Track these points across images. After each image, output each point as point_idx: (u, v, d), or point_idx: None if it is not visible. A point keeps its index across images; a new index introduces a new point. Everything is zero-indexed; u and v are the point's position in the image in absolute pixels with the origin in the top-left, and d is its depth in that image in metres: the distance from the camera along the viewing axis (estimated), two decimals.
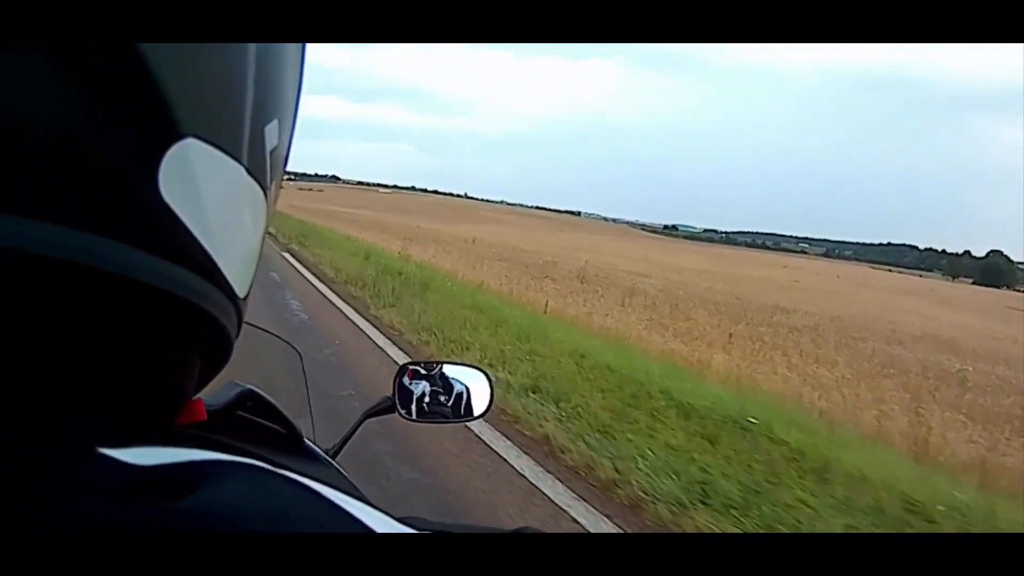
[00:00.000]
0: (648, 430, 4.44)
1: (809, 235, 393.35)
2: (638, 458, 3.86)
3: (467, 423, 1.50)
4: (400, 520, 0.34)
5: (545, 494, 3.48)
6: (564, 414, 4.61)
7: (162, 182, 0.25)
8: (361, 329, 7.37)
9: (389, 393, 1.04)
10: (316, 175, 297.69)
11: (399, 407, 1.03)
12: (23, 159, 0.22)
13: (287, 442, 0.50)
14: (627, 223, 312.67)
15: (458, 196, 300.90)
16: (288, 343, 0.99)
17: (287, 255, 15.33)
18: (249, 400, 0.47)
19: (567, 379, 5.45)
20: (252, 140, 0.30)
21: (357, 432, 1.00)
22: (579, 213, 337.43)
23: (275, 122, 0.33)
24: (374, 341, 6.82)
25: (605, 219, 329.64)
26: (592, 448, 4.01)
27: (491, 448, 4.02)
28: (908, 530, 3.28)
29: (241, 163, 0.30)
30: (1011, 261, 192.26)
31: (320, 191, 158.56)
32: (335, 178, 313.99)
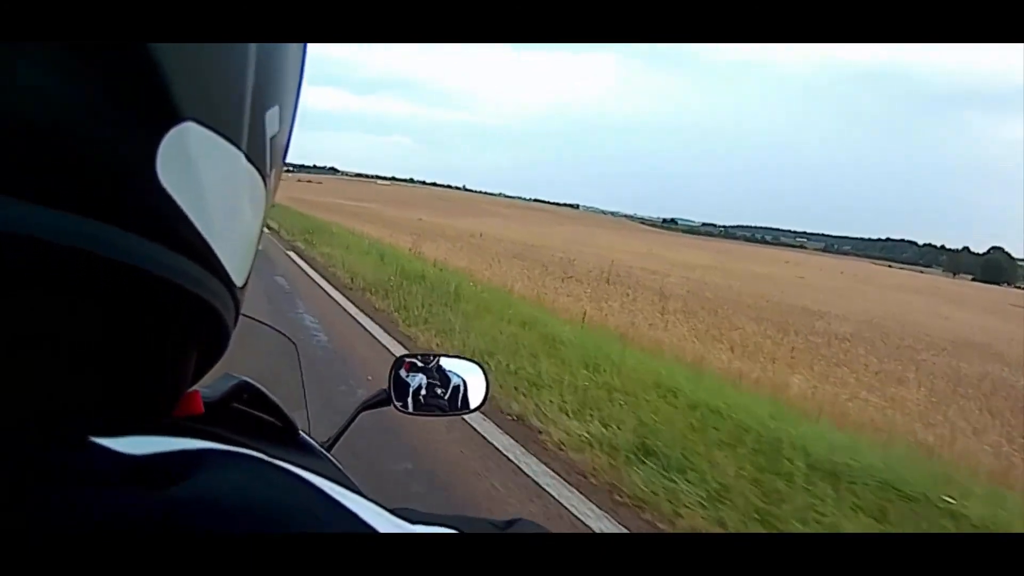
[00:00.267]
0: (816, 515, 3.28)
1: (807, 230, 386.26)
2: None
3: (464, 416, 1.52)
4: (393, 512, 0.34)
5: None
6: (702, 494, 3.44)
7: (160, 166, 0.24)
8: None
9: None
10: (315, 167, 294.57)
11: (395, 400, 1.02)
12: (18, 143, 0.22)
13: (283, 434, 0.50)
14: (625, 216, 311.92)
15: (456, 188, 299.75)
16: (283, 333, 1.00)
17: (293, 254, 13.97)
18: (245, 392, 0.48)
19: (673, 430, 4.27)
20: (252, 126, 0.29)
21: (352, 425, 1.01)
22: (577, 206, 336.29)
23: (276, 108, 0.32)
24: None
25: (603, 212, 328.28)
26: None
27: None
28: None
29: (240, 149, 0.29)
30: (1011, 258, 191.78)
31: (319, 183, 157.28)
32: (334, 170, 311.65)
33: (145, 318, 0.28)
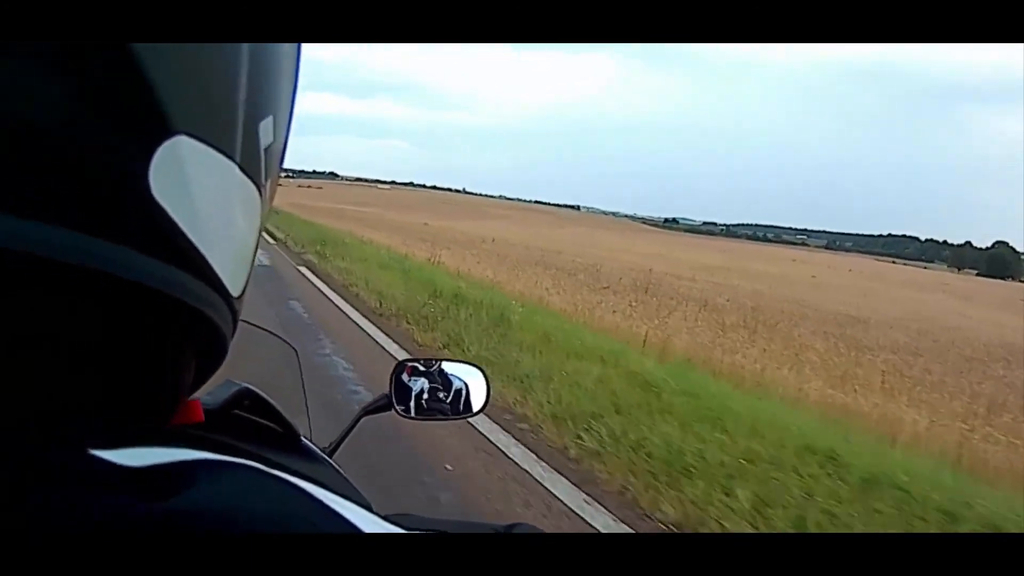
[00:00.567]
0: None
1: (809, 227, 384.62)
2: None
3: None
4: (394, 522, 0.34)
5: None
6: None
7: (153, 180, 0.24)
8: (471, 426, 4.12)
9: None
10: (314, 172, 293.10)
11: (396, 404, 1.01)
12: (11, 158, 0.22)
13: (284, 441, 0.50)
14: (626, 217, 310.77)
15: (456, 191, 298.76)
16: (283, 340, 0.99)
17: (305, 270, 12.36)
18: (246, 399, 0.48)
19: (874, 528, 3.05)
20: (246, 137, 0.30)
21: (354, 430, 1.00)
22: (578, 207, 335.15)
23: (270, 119, 0.32)
24: (515, 461, 3.82)
25: (604, 213, 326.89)
26: None
27: None
28: None
29: (234, 160, 0.29)
30: (1016, 252, 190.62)
31: (319, 188, 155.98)
32: (334, 175, 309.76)
33: (141, 330, 0.28)
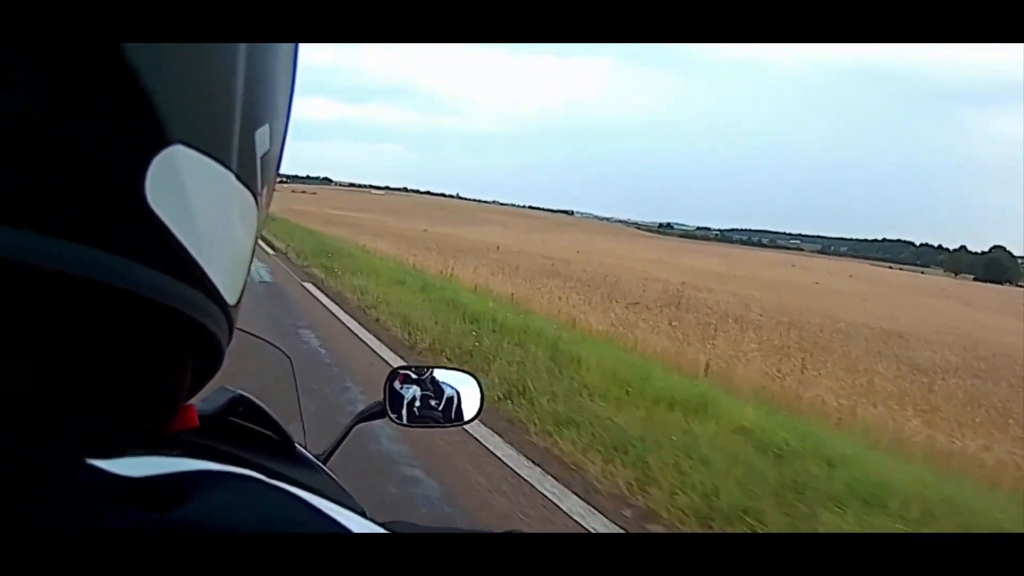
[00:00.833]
0: None
1: (803, 232, 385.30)
2: None
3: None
4: (388, 529, 0.35)
5: None
6: None
7: (148, 190, 0.24)
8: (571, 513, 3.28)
9: None
10: (308, 177, 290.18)
11: (389, 412, 1.02)
12: (5, 169, 0.22)
13: (279, 448, 0.50)
14: (620, 222, 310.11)
15: (450, 196, 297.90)
16: (277, 347, 0.99)
17: (311, 287, 11.13)
18: (240, 406, 0.48)
19: None
20: (242, 145, 0.30)
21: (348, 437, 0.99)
22: (572, 212, 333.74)
23: (266, 126, 0.32)
24: None
25: (598, 218, 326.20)
26: None
27: None
28: None
29: (230, 169, 0.29)
30: (1013, 256, 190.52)
31: (314, 193, 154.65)
32: (327, 180, 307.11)
33: (136, 339, 0.28)
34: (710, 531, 2.88)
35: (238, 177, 0.30)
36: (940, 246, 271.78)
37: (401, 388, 1.04)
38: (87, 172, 0.23)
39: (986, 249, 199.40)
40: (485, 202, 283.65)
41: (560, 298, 12.49)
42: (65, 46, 0.22)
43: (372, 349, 6.84)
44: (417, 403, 1.03)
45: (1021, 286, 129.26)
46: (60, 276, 0.23)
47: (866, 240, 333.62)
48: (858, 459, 4.23)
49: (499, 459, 4.03)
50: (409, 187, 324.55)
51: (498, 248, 31.73)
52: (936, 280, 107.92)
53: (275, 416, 0.49)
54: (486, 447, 4.17)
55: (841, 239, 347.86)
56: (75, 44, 0.22)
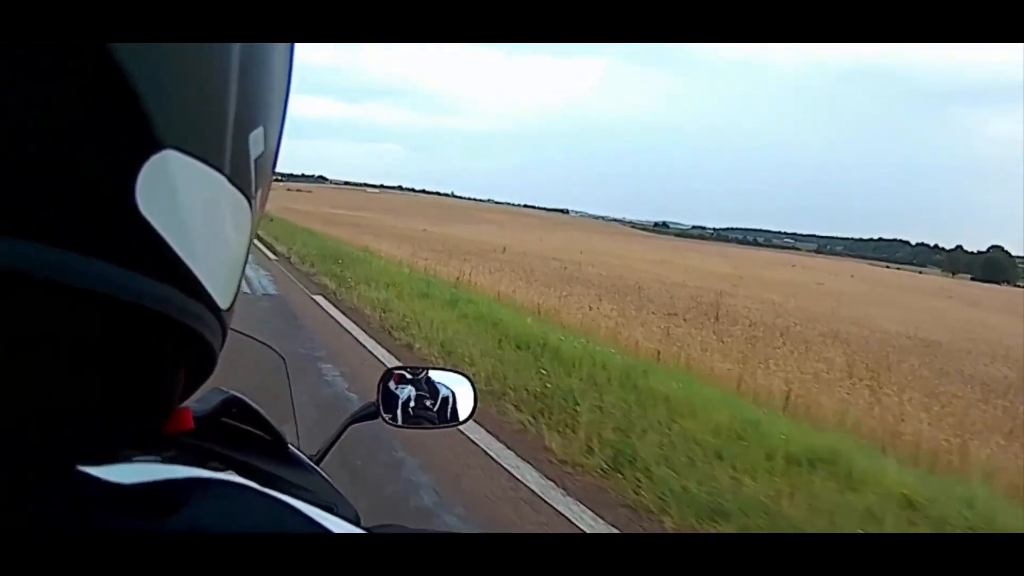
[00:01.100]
0: None
1: (798, 231, 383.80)
2: None
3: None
4: (380, 532, 0.34)
5: None
6: None
7: (139, 196, 0.24)
8: None
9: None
10: (303, 175, 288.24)
11: (383, 412, 1.01)
12: None
13: (272, 449, 0.50)
14: (615, 221, 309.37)
15: (445, 195, 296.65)
16: (271, 348, 0.98)
17: (323, 301, 9.70)
18: (234, 407, 0.48)
19: None
20: (235, 149, 0.29)
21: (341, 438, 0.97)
22: (567, 211, 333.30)
23: (260, 129, 0.32)
24: None
25: (594, 217, 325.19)
26: None
27: None
28: None
29: (223, 173, 0.29)
30: (1011, 256, 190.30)
31: (309, 191, 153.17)
32: (323, 178, 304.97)
33: (129, 345, 0.28)
34: (710, 532, 2.88)
35: (231, 181, 0.29)
36: (936, 246, 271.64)
37: (396, 388, 1.02)
38: (77, 178, 0.23)
39: (983, 249, 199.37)
40: (480, 200, 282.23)
41: (591, 308, 11.49)
42: (53, 49, 0.22)
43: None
44: (411, 403, 1.02)
45: (1019, 286, 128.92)
46: (48, 283, 0.23)
47: (862, 239, 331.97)
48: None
49: None
50: (405, 186, 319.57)
51: (504, 249, 30.70)
52: (935, 280, 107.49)
53: (268, 417, 0.50)
54: None
55: (836, 238, 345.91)
56: (64, 46, 0.22)
